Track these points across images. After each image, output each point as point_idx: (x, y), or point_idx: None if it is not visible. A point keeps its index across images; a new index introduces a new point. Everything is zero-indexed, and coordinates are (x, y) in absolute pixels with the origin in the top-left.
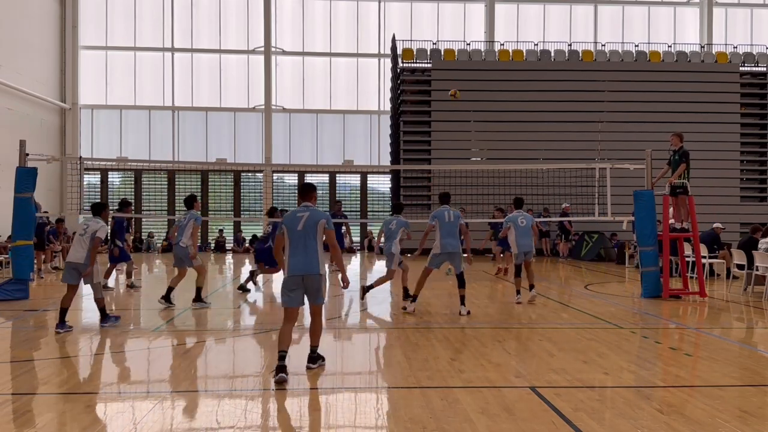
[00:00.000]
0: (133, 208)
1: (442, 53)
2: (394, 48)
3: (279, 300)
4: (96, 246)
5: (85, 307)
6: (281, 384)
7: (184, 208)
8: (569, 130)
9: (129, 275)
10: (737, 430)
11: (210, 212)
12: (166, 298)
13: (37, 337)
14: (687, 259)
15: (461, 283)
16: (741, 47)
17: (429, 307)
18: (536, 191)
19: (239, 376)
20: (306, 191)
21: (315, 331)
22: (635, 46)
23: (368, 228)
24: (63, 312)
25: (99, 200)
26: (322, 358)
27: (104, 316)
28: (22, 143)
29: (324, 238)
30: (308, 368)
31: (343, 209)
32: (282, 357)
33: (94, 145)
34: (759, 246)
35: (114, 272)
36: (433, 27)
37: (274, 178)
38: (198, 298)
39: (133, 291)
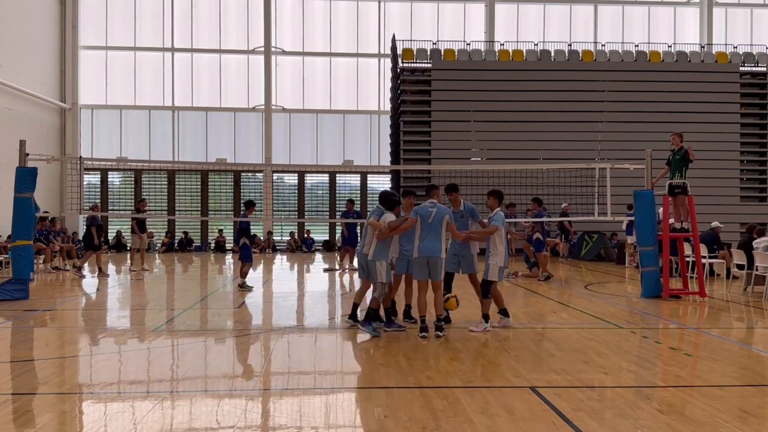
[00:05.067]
0: (256, 208)
1: (442, 53)
2: (394, 48)
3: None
4: (388, 229)
5: (84, 307)
6: (424, 339)
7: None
8: (569, 130)
9: (243, 275)
10: (737, 430)
11: (210, 212)
12: (370, 318)
13: (37, 337)
14: (687, 259)
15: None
16: (741, 47)
17: (429, 307)
18: (536, 191)
19: (239, 376)
20: (429, 189)
21: (437, 304)
22: (635, 46)
23: None
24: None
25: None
26: (442, 328)
27: (368, 317)
28: (22, 143)
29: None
30: (437, 336)
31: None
32: (422, 320)
33: (94, 145)
34: (756, 245)
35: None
36: (433, 27)
37: (274, 178)
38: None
39: (246, 291)
